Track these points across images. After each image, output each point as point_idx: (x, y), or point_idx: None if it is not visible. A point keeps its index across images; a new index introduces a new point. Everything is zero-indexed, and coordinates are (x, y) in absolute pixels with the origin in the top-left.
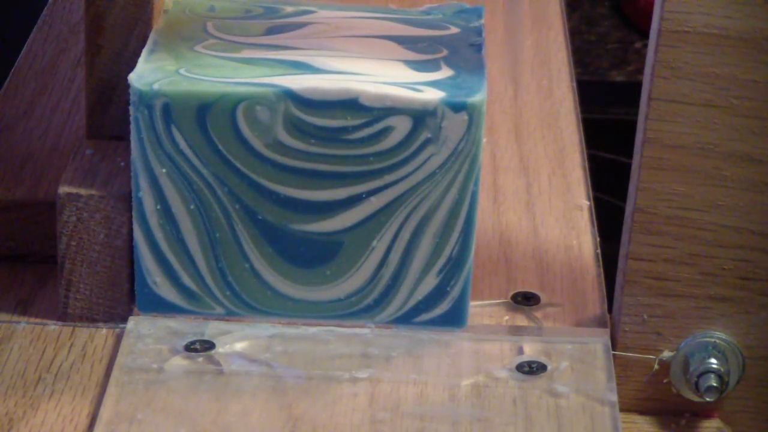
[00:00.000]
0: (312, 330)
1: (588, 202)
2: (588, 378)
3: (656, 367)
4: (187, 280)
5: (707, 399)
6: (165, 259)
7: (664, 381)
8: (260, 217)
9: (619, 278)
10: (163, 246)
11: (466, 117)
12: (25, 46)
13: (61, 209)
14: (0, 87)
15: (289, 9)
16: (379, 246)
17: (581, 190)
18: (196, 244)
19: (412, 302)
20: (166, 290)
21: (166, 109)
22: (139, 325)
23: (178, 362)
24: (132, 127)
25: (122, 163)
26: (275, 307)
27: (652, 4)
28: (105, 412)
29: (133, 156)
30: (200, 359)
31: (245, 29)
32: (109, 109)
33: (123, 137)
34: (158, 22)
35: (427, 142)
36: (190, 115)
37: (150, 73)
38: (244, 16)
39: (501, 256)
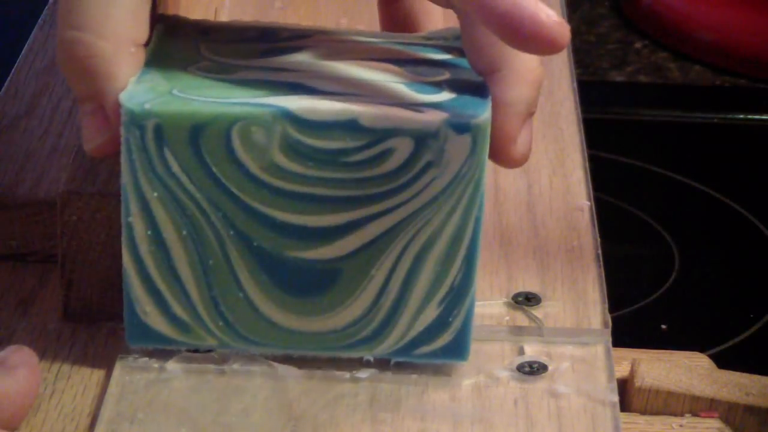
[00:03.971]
0: None
1: (589, 203)
2: (589, 378)
3: None
4: (178, 310)
5: None
6: (155, 288)
7: None
8: (255, 244)
9: None
10: (154, 274)
11: (469, 139)
12: (25, 46)
13: (62, 209)
14: (0, 87)
15: (286, 33)
16: (378, 274)
17: (582, 191)
18: (188, 272)
19: (412, 333)
20: (156, 320)
21: (158, 130)
22: None
23: (180, 362)
24: (123, 149)
25: None
26: (270, 339)
27: (652, 5)
28: (106, 412)
29: (124, 180)
30: (201, 359)
31: (240, 52)
32: None
33: None
34: (150, 43)
35: (428, 165)
36: (183, 136)
37: (142, 93)
38: (239, 39)
39: (501, 256)
